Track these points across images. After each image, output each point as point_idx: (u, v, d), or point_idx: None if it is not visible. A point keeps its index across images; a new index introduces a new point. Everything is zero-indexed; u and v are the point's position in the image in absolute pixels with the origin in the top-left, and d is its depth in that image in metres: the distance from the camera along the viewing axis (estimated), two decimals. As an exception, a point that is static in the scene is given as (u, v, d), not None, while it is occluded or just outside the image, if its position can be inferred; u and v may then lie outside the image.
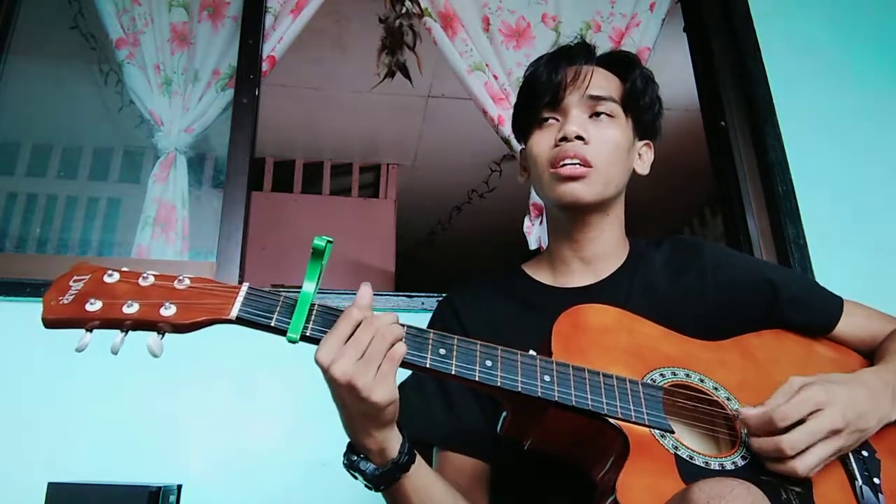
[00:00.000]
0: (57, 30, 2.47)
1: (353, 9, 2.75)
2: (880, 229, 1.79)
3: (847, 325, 1.03)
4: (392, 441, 0.79)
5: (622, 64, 1.07)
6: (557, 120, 1.03)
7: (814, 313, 1.03)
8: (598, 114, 1.02)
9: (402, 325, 0.78)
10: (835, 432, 0.81)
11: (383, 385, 0.73)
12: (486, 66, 1.96)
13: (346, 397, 0.74)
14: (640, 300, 1.01)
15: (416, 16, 1.98)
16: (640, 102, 1.06)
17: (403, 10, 2.05)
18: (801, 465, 0.79)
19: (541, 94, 1.03)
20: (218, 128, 1.90)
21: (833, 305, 1.04)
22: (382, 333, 0.74)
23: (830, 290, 1.07)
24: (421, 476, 0.83)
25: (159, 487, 1.15)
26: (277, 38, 1.92)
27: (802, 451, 0.79)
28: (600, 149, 1.00)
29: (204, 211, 2.05)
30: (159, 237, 1.76)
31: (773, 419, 0.80)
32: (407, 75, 2.15)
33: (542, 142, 1.03)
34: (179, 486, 1.26)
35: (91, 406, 1.44)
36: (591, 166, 0.99)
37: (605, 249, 1.06)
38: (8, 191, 2.97)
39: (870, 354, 1.01)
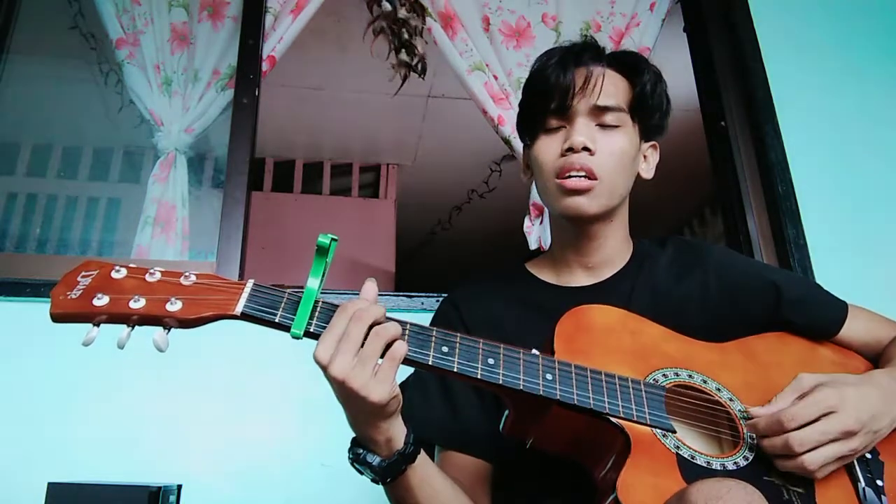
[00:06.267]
0: (57, 30, 2.47)
1: (353, 9, 2.75)
2: (880, 229, 1.79)
3: (851, 329, 1.02)
4: (398, 432, 0.79)
5: (632, 66, 1.05)
6: (564, 126, 1.01)
7: (817, 316, 1.03)
8: (605, 123, 1.01)
9: (404, 323, 0.79)
10: (848, 434, 0.80)
11: (383, 384, 0.73)
12: (486, 65, 1.96)
13: (347, 395, 0.74)
14: (643, 301, 1.01)
15: (396, 15, 1.94)
16: (649, 107, 1.04)
17: (381, 11, 2.01)
18: (809, 460, 0.78)
19: (548, 97, 1.01)
20: (218, 128, 1.90)
21: (837, 309, 1.04)
22: (377, 332, 0.74)
23: (834, 295, 1.07)
24: (425, 469, 0.83)
25: (159, 487, 1.15)
26: (277, 38, 1.92)
27: (812, 449, 0.79)
28: (606, 160, 0.99)
29: (204, 211, 2.05)
30: (159, 237, 1.76)
31: (782, 421, 0.80)
32: (416, 72, 2.08)
33: (548, 149, 1.02)
34: (179, 486, 1.26)
35: (91, 406, 1.44)
36: (596, 178, 0.98)
37: (609, 255, 1.07)
38: (8, 191, 2.96)
39: (874, 359, 1.01)
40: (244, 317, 0.75)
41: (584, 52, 1.04)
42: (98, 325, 0.73)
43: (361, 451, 0.79)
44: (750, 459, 0.82)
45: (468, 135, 3.46)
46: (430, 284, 1.87)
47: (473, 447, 0.98)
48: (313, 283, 0.76)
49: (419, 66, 1.98)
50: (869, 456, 0.85)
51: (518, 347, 0.81)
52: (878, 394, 0.85)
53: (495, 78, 1.95)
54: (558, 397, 0.78)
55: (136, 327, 0.74)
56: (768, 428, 0.81)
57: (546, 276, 1.09)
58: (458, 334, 0.80)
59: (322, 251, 0.76)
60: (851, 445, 0.81)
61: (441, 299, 1.13)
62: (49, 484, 1.11)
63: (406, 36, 1.97)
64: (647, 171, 1.09)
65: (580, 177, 0.98)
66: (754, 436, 0.84)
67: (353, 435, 0.81)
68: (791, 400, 0.84)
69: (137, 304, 0.73)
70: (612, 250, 1.07)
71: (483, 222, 4.27)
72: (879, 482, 0.83)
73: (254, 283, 0.77)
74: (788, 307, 1.02)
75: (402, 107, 3.34)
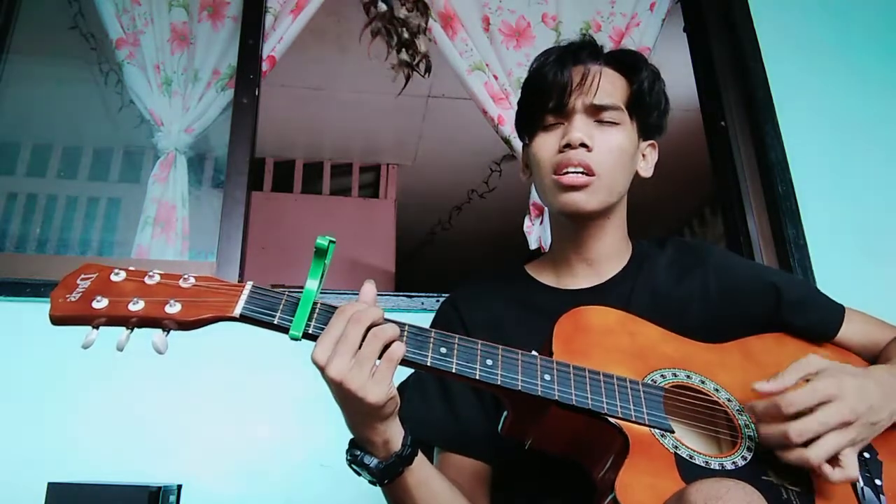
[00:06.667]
0: (57, 30, 2.47)
1: (353, 9, 2.74)
2: (880, 230, 1.79)
3: (848, 332, 1.03)
4: (395, 433, 0.79)
5: (630, 65, 1.05)
6: (562, 123, 1.02)
7: (816, 318, 1.03)
8: (603, 120, 1.01)
9: (402, 324, 0.79)
10: (845, 424, 0.79)
11: (380, 385, 0.73)
12: (486, 65, 1.96)
13: (344, 396, 0.74)
14: (643, 302, 1.01)
15: (394, 14, 1.92)
16: (647, 105, 1.05)
17: (377, 12, 1.99)
18: (814, 454, 0.77)
19: (546, 95, 1.01)
20: (218, 128, 1.91)
21: (835, 312, 1.04)
22: (375, 333, 0.74)
23: (832, 298, 1.07)
24: (423, 470, 0.84)
25: (159, 487, 1.15)
26: (277, 38, 1.92)
27: (813, 441, 0.78)
28: (604, 157, 0.99)
29: (204, 211, 2.05)
30: (159, 237, 1.76)
31: (780, 405, 0.79)
32: (417, 72, 2.06)
33: (545, 146, 1.02)
34: (179, 486, 1.27)
35: (91, 406, 1.44)
36: (594, 174, 0.98)
37: (608, 250, 1.07)
38: (8, 191, 2.97)
39: (871, 361, 1.01)
40: (243, 318, 0.75)
41: (582, 51, 1.04)
42: (97, 327, 0.73)
43: (359, 452, 0.80)
44: (748, 459, 0.82)
45: (468, 135, 3.46)
46: (430, 284, 1.88)
47: (472, 448, 0.98)
48: (312, 284, 0.76)
49: (421, 65, 1.96)
50: (867, 455, 0.85)
51: (516, 348, 0.81)
52: (876, 386, 0.85)
53: (495, 78, 1.95)
54: (556, 398, 0.79)
55: (136, 329, 0.74)
56: (766, 412, 0.80)
57: (546, 278, 1.09)
58: (457, 335, 0.80)
59: (320, 253, 0.76)
60: (849, 435, 0.80)
61: (441, 299, 1.13)
62: (49, 484, 1.12)
63: (406, 35, 1.95)
64: (646, 169, 1.09)
65: (577, 173, 0.98)
66: (752, 424, 0.83)
67: (351, 436, 0.81)
68: (795, 379, 0.83)
69: (136, 306, 0.73)
70: (611, 247, 1.07)
71: (483, 222, 4.27)
72: (878, 481, 0.83)
73: (252, 285, 0.77)
74: (788, 309, 1.02)
75: (402, 107, 3.34)
